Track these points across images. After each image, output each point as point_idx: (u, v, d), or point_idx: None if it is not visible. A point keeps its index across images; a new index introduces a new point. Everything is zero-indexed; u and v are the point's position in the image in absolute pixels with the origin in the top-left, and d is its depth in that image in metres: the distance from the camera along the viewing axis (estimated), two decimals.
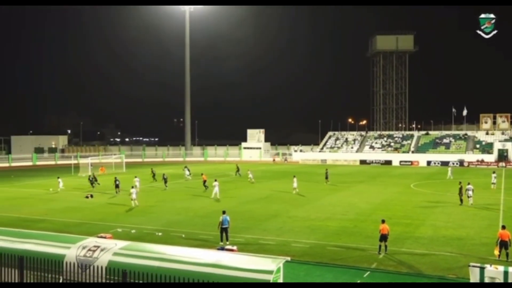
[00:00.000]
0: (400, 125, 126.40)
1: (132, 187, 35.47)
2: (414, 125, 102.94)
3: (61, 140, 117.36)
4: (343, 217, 29.15)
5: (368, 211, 31.42)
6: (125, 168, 66.52)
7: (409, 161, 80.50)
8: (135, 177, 43.24)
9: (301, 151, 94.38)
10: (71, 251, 13.42)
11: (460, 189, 34.02)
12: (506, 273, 13.20)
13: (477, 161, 76.68)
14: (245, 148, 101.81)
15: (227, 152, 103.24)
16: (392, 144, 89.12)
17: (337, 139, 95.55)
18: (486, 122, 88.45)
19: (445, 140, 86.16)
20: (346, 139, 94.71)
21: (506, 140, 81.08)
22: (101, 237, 17.09)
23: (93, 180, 45.51)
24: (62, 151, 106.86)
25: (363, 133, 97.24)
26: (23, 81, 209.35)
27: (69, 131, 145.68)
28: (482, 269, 13.54)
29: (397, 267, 18.48)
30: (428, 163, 78.58)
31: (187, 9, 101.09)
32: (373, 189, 44.66)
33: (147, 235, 24.17)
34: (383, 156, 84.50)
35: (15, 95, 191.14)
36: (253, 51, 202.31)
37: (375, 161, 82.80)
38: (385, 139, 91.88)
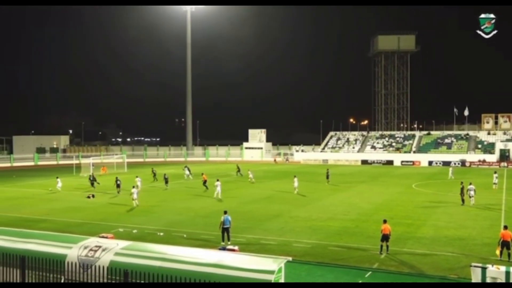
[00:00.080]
0: (401, 125, 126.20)
1: (133, 186, 35.53)
2: (415, 125, 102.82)
3: (63, 140, 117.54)
4: (344, 217, 29.14)
5: (370, 211, 31.40)
6: (126, 168, 66.55)
7: (410, 161, 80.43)
8: (137, 177, 43.30)
9: (302, 151, 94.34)
10: (73, 251, 13.43)
11: (462, 189, 33.98)
12: (508, 273, 13.18)
13: (479, 161, 76.59)
14: (246, 148, 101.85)
15: (229, 152, 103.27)
16: (393, 144, 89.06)
17: (338, 139, 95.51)
18: (488, 122, 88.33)
19: (446, 140, 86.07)
20: (348, 139, 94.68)
21: (507, 140, 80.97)
22: (103, 237, 17.11)
23: (93, 180, 45.54)
24: (64, 151, 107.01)
25: (365, 133, 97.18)
26: (25, 81, 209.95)
27: (70, 131, 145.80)
28: (484, 269, 13.53)
29: (398, 267, 18.47)
30: (430, 163, 78.51)
31: (189, 9, 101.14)
32: (374, 189, 44.64)
33: (148, 235, 24.19)
34: (384, 156, 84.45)
35: (17, 95, 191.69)
36: (254, 51, 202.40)
37: (377, 161, 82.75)
38: (386, 139, 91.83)
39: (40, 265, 13.22)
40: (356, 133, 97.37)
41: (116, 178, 42.01)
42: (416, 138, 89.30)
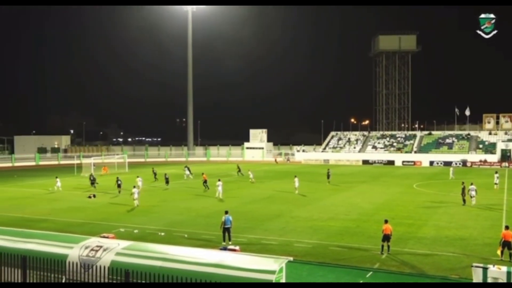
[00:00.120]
0: (402, 125, 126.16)
1: (134, 186, 35.54)
2: (416, 125, 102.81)
3: (64, 140, 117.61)
4: (345, 217, 29.13)
5: (371, 211, 31.39)
6: (127, 168, 66.60)
7: (411, 161, 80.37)
8: (138, 177, 43.33)
9: (303, 151, 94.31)
10: (74, 251, 13.44)
11: (463, 189, 33.97)
12: (509, 274, 13.18)
13: (480, 161, 76.51)
14: (247, 148, 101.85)
15: (230, 152, 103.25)
16: (394, 144, 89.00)
17: (339, 139, 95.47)
18: (489, 122, 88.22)
19: (448, 140, 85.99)
20: (349, 139, 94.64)
21: (509, 140, 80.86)
22: (104, 237, 17.10)
23: (93, 180, 45.53)
24: (65, 151, 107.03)
25: (366, 133, 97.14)
26: (26, 82, 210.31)
27: (71, 131, 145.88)
28: (485, 270, 13.53)
29: (399, 267, 18.46)
30: (431, 163, 78.44)
31: (190, 9, 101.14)
32: (375, 189, 44.62)
33: (149, 235, 24.20)
34: (385, 156, 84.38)
35: (18, 96, 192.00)
36: (255, 51, 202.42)
37: (378, 161, 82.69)
38: (387, 139, 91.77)
39: (41, 265, 13.23)
40: (357, 133, 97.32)
41: (117, 178, 42.04)
42: (417, 138, 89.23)
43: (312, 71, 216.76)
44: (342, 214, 30.22)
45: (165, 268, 12.20)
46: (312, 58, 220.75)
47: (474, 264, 14.12)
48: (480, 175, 56.52)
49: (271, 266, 11.92)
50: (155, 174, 53.00)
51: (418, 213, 30.73)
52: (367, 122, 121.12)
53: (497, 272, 13.32)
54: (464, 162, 76.38)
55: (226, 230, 21.92)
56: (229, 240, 21.79)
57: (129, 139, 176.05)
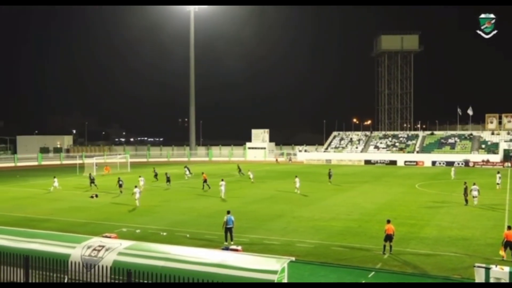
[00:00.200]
0: (405, 125, 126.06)
1: (136, 186, 35.57)
2: (419, 125, 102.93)
3: (66, 140, 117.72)
4: (347, 217, 29.11)
5: (373, 211, 31.37)
6: (130, 168, 66.69)
7: (414, 161, 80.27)
8: (140, 176, 43.37)
9: (305, 151, 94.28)
10: (76, 251, 13.47)
11: (465, 189, 33.92)
12: (511, 274, 13.14)
13: (483, 161, 76.38)
14: (249, 148, 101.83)
15: (232, 152, 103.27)
16: (397, 144, 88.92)
17: (341, 139, 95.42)
18: (491, 122, 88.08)
19: (450, 140, 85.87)
20: (351, 139, 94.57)
21: (511, 140, 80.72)
22: (106, 236, 17.14)
23: (92, 180, 45.49)
24: (67, 151, 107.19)
25: (368, 133, 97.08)
26: (28, 82, 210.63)
27: (74, 131, 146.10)
28: (487, 270, 13.50)
29: (402, 268, 18.44)
30: (433, 163, 78.32)
31: (192, 9, 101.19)
32: (377, 189, 44.58)
33: (151, 235, 24.22)
34: (388, 156, 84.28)
35: (20, 95, 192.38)
36: (256, 51, 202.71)
37: (380, 161, 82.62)
38: (390, 139, 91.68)
39: (43, 265, 13.26)
40: (359, 133, 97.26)
41: (118, 178, 42.10)
42: (420, 138, 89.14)
43: (314, 71, 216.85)
44: (344, 214, 30.21)
45: (167, 268, 12.22)
46: (313, 58, 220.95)
47: (477, 264, 14.09)
48: (482, 175, 56.41)
49: (273, 266, 11.92)
50: (156, 174, 53.05)
51: (420, 213, 30.69)
52: (369, 122, 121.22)
53: (499, 272, 13.30)
54: (466, 162, 76.27)
55: (228, 230, 21.93)
56: (231, 240, 21.80)
57: (131, 139, 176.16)
